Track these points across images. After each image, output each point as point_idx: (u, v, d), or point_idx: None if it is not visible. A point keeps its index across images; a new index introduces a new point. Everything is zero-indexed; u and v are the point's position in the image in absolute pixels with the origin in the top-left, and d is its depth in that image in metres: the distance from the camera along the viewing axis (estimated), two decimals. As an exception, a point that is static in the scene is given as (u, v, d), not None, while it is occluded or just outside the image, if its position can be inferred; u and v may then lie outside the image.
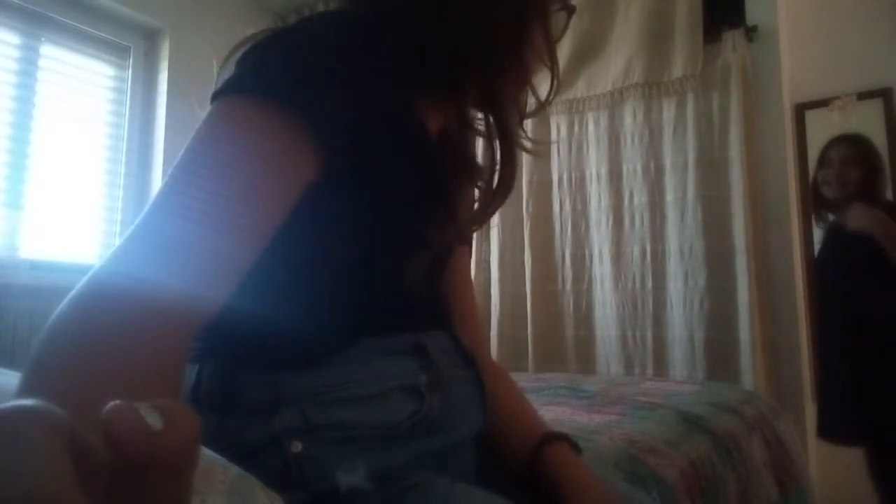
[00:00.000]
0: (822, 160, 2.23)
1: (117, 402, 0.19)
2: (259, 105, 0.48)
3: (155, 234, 0.44)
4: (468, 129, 0.72)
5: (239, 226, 0.46)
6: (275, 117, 0.48)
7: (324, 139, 0.50)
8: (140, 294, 0.40)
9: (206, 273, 0.44)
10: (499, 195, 0.69)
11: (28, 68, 2.27)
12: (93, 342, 0.38)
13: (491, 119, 0.67)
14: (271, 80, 0.49)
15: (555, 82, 0.68)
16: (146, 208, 0.45)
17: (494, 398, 0.72)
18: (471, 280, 0.87)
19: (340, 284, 0.59)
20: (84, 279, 0.41)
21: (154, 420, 0.19)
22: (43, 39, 2.32)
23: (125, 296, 0.40)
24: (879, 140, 2.48)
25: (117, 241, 0.44)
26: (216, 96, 0.50)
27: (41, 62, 2.31)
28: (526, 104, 0.70)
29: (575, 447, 0.69)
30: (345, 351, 0.58)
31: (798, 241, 2.41)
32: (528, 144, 0.71)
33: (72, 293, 0.40)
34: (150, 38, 2.66)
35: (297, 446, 0.53)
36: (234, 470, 0.37)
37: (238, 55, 0.53)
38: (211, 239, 0.44)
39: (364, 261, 0.59)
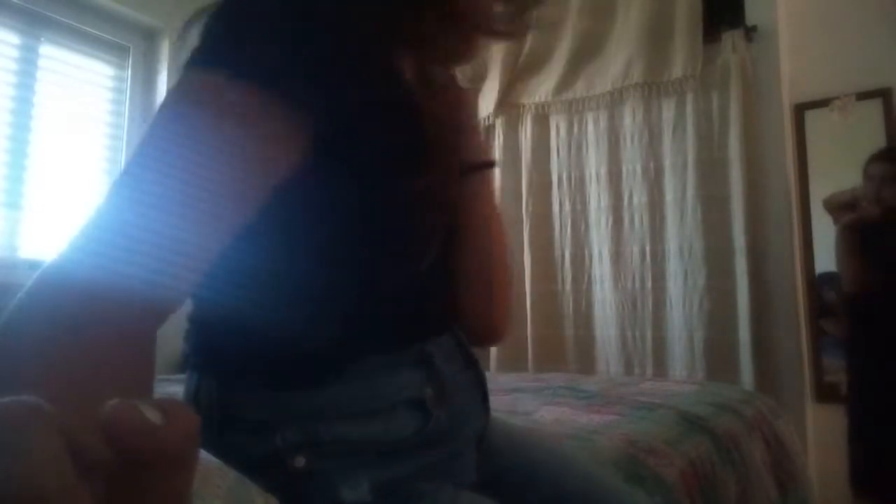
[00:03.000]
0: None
1: (117, 399, 0.19)
2: (227, 81, 0.44)
3: (119, 224, 0.40)
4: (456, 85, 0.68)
5: (205, 213, 0.42)
6: (247, 94, 0.44)
7: (301, 113, 0.46)
8: (107, 286, 0.38)
9: (173, 263, 0.41)
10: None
11: (28, 68, 2.26)
12: (63, 337, 0.36)
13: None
14: (238, 57, 0.45)
15: None
16: (108, 193, 0.41)
17: None
18: (496, 215, 0.76)
19: (344, 297, 0.57)
20: (44, 268, 0.38)
21: (154, 416, 0.19)
22: (42, 39, 2.31)
23: (92, 288, 0.38)
24: (879, 140, 2.48)
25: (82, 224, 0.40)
26: (183, 68, 0.46)
27: (41, 62, 2.31)
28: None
29: None
30: (349, 369, 0.56)
31: (798, 241, 2.41)
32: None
33: (32, 282, 0.37)
34: (149, 38, 2.65)
35: (300, 461, 0.53)
36: (232, 474, 0.37)
37: (202, 21, 0.49)
38: (178, 228, 0.41)
39: (368, 259, 0.56)
